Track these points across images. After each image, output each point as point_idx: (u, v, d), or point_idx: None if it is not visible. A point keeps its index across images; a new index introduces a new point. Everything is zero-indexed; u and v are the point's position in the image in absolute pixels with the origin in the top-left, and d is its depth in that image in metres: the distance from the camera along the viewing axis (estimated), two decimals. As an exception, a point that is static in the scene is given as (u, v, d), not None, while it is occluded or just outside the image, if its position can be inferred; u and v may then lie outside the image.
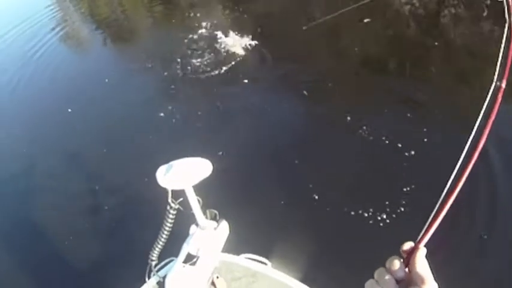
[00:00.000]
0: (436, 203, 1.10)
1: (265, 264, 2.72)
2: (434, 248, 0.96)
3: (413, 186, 4.39)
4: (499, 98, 1.66)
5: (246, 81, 5.95)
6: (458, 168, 1.19)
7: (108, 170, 4.85)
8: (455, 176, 1.14)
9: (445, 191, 1.09)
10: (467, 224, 4.01)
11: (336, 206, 4.27)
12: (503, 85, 1.80)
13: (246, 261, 2.71)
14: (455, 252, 3.79)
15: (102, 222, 4.34)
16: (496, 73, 1.99)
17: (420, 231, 1.02)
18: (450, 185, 1.09)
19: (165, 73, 6.25)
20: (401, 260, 0.96)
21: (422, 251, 0.97)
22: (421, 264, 0.95)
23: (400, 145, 4.82)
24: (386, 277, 0.93)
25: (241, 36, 6.86)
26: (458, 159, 1.30)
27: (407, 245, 0.99)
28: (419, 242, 1.01)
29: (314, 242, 3.84)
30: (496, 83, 1.89)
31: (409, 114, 5.20)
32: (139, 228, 3.94)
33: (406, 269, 0.95)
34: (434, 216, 1.02)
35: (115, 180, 4.70)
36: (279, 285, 2.67)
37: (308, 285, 2.70)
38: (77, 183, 4.81)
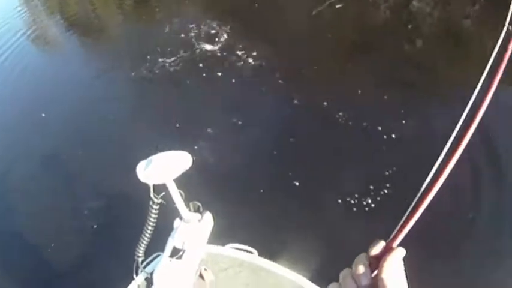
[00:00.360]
0: (419, 188, 0.98)
1: (251, 253, 2.77)
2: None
3: (395, 169, 4.49)
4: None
5: (219, 74, 5.95)
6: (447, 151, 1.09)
7: (87, 171, 4.82)
8: (442, 160, 1.03)
9: (426, 182, 0.99)
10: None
11: (317, 193, 4.34)
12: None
13: (232, 251, 2.75)
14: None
15: (85, 223, 4.32)
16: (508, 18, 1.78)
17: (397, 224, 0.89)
18: (433, 174, 0.98)
19: (135, 72, 6.17)
20: (368, 263, 0.82)
21: (396, 253, 0.81)
22: (392, 271, 0.79)
23: (379, 128, 4.90)
24: (348, 283, 0.81)
25: (214, 29, 6.84)
26: (450, 137, 1.25)
27: (377, 247, 0.83)
28: (392, 241, 0.85)
29: (298, 228, 3.91)
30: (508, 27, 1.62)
31: (385, 97, 5.29)
32: (124, 226, 3.94)
33: (374, 274, 0.81)
34: (411, 210, 0.88)
35: (95, 180, 4.69)
36: (266, 273, 2.73)
37: (294, 271, 2.77)
38: (57, 186, 4.77)
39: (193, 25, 6.85)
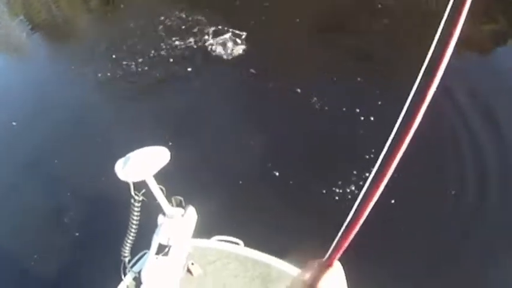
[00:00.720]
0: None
1: (238, 244, 2.80)
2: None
3: (375, 152, 4.55)
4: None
5: (189, 69, 5.89)
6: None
7: (65, 176, 4.77)
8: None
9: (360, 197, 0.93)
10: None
11: (299, 182, 4.38)
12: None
13: (218, 243, 2.78)
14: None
15: (68, 229, 4.28)
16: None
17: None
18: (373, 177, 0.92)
19: (104, 73, 6.08)
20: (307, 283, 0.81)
21: (332, 271, 0.81)
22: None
23: (355, 111, 4.96)
24: None
25: (183, 21, 6.74)
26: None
27: (310, 269, 0.82)
28: (330, 258, 0.83)
29: (281, 218, 3.95)
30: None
31: (359, 79, 5.35)
32: (107, 227, 3.91)
33: None
34: (347, 227, 0.85)
35: (73, 184, 4.64)
36: (253, 263, 2.76)
37: (281, 259, 2.81)
38: (35, 195, 4.72)
39: (161, 19, 6.74)
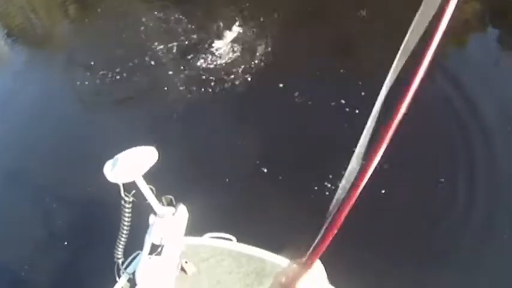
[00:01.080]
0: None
1: (231, 240, 2.84)
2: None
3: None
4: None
5: (170, 72, 5.84)
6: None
7: (50, 184, 4.75)
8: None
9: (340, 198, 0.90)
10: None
11: (288, 177, 4.43)
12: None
13: (211, 240, 2.82)
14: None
15: (59, 235, 4.28)
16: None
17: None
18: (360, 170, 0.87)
19: (80, 81, 5.96)
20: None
21: (311, 272, 0.81)
22: None
23: (340, 104, 5.02)
24: None
25: (163, 23, 6.72)
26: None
27: (288, 271, 0.82)
28: (310, 259, 0.84)
29: (274, 213, 3.99)
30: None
31: (342, 70, 5.41)
32: (99, 230, 3.92)
33: None
34: (327, 227, 0.84)
35: (60, 191, 4.62)
36: (247, 258, 2.80)
37: (275, 253, 2.86)
38: (23, 203, 4.70)
39: (141, 21, 6.70)
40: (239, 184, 4.38)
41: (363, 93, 5.08)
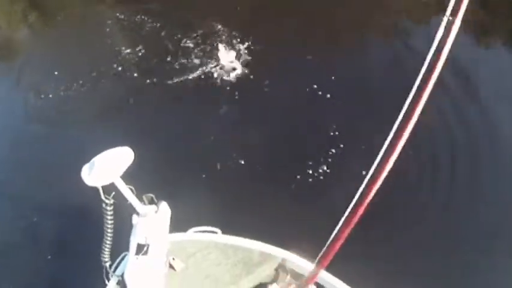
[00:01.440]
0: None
1: (215, 232, 2.89)
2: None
3: (342, 128, 4.72)
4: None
5: (136, 74, 5.81)
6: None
7: (27, 195, 4.68)
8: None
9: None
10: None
11: (266, 167, 4.50)
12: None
13: (196, 235, 2.87)
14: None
15: (43, 245, 4.28)
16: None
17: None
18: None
19: (46, 93, 5.91)
20: None
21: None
22: None
23: (312, 89, 5.10)
24: None
25: (124, 25, 6.62)
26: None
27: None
28: (318, 267, 0.92)
29: (256, 203, 4.06)
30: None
31: (309, 57, 5.48)
32: (83, 236, 3.91)
33: None
34: (337, 233, 0.92)
35: (38, 201, 4.59)
36: (234, 249, 2.86)
37: (260, 241, 2.92)
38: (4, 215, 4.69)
39: (105, 26, 6.61)
40: (218, 178, 4.43)
41: (332, 77, 5.18)
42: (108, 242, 2.32)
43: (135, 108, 5.40)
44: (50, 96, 5.80)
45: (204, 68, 5.70)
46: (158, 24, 6.48)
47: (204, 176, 4.49)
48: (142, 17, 6.62)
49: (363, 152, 4.36)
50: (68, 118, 5.47)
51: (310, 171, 4.42)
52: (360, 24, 5.98)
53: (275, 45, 5.74)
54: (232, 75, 5.48)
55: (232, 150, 4.64)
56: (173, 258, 2.63)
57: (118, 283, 2.54)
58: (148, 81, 5.72)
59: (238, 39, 6.00)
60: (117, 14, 6.75)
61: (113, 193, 2.13)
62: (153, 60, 6.00)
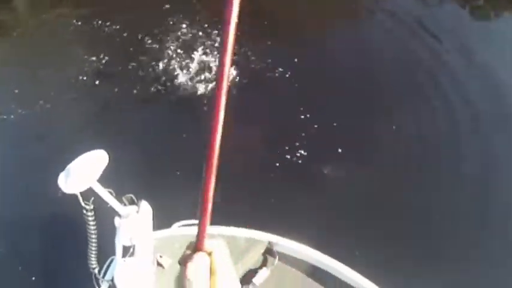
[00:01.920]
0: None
1: None
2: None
3: (311, 109, 4.83)
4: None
5: (97, 82, 5.70)
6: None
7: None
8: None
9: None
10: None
11: (239, 159, 4.56)
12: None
13: (180, 229, 2.91)
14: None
15: (31, 257, 4.25)
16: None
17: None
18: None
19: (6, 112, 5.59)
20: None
21: (197, 259, 0.90)
22: (194, 275, 0.89)
23: (276, 72, 5.18)
24: None
25: (89, 36, 6.43)
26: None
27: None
28: (198, 242, 0.94)
29: (237, 192, 4.13)
30: None
31: (269, 42, 5.56)
32: (67, 244, 3.92)
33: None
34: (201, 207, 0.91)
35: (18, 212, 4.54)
36: (220, 238, 2.91)
37: (245, 228, 2.99)
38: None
39: (66, 36, 6.38)
40: (192, 170, 4.46)
41: (295, 60, 5.27)
42: (93, 248, 2.34)
43: (102, 114, 5.34)
44: (12, 116, 5.56)
45: (174, 72, 5.68)
46: (127, 34, 6.34)
47: (178, 173, 4.54)
48: (100, 21, 6.45)
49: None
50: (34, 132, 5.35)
51: (289, 156, 4.52)
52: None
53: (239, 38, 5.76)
54: (195, 65, 5.49)
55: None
56: (160, 256, 2.67)
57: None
58: (112, 86, 5.66)
59: (203, 36, 6.00)
60: (74, 20, 6.55)
61: (92, 198, 2.15)
62: (117, 66, 5.91)
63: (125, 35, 6.19)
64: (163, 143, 4.91)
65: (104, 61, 5.93)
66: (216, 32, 5.99)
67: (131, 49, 6.00)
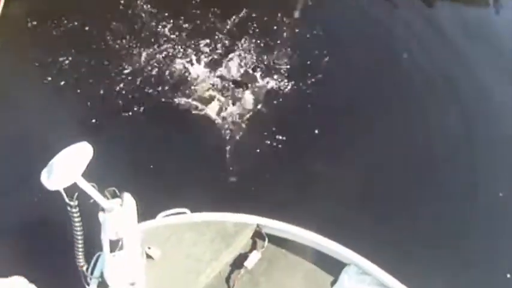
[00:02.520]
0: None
1: (185, 212, 2.92)
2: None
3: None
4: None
5: (62, 83, 5.47)
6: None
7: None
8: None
9: None
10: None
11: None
12: None
13: (166, 219, 2.89)
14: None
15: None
16: None
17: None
18: None
19: None
20: None
21: None
22: None
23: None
24: None
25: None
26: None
27: None
28: None
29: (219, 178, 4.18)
30: None
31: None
32: (54, 243, 3.83)
33: None
34: None
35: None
36: (207, 225, 2.92)
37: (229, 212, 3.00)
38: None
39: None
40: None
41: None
42: (80, 245, 2.30)
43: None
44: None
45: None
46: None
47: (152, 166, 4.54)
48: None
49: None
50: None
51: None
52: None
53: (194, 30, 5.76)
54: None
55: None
56: (149, 248, 2.65)
57: (99, 285, 2.53)
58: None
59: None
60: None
61: (76, 193, 2.10)
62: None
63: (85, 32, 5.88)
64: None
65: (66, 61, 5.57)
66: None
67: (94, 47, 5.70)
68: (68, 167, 1.97)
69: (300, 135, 4.80)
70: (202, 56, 5.43)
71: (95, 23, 5.80)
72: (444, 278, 3.70)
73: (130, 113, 4.98)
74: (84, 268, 2.40)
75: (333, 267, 2.85)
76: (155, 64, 5.41)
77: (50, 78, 5.31)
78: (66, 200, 2.07)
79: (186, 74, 5.29)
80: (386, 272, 2.72)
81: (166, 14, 5.84)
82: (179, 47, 5.54)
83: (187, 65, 5.35)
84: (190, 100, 5.04)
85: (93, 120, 4.92)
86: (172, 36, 5.67)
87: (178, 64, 5.37)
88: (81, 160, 2.00)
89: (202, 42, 5.55)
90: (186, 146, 4.67)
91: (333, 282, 2.83)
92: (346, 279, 2.78)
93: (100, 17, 5.85)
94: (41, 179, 1.95)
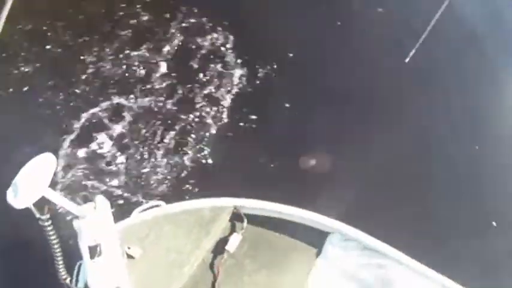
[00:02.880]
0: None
1: (159, 205, 2.91)
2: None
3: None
4: None
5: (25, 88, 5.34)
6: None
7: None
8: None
9: None
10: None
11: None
12: None
13: (141, 215, 2.87)
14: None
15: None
16: None
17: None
18: None
19: None
20: None
21: None
22: None
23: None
24: None
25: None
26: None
27: None
28: None
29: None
30: None
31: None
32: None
33: None
34: None
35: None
36: (184, 215, 2.92)
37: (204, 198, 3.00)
38: None
39: None
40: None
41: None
42: (59, 258, 2.26)
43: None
44: None
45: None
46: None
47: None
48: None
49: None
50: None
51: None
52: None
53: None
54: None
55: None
56: (128, 247, 2.64)
57: None
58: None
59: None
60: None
61: (46, 206, 2.05)
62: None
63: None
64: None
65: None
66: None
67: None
68: (33, 182, 1.92)
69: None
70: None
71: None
72: (429, 228, 3.86)
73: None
74: (68, 280, 2.37)
75: (316, 238, 2.90)
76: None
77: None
78: (37, 215, 2.02)
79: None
80: (370, 236, 2.79)
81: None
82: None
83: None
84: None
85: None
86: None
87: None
88: (46, 172, 1.95)
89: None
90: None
91: (318, 253, 2.88)
92: (330, 248, 2.84)
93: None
94: (7, 199, 1.90)
